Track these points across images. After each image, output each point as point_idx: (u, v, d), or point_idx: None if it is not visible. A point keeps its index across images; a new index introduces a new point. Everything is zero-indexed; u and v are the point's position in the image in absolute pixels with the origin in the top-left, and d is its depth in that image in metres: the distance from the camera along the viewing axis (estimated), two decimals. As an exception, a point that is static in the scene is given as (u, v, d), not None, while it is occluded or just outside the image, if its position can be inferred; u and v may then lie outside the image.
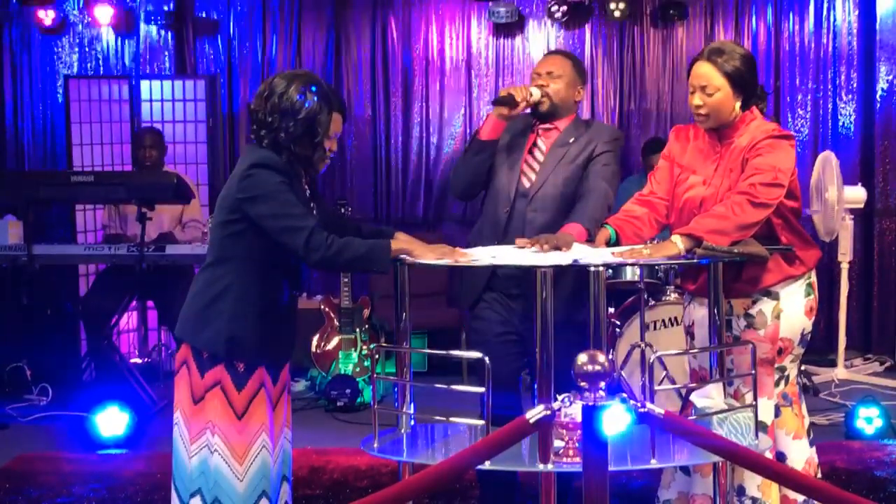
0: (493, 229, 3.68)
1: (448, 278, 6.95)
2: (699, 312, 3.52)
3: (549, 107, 3.69)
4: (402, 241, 3.10)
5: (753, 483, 3.41)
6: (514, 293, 3.64)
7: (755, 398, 3.16)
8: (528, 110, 3.72)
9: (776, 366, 3.43)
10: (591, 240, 3.43)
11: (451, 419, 3.12)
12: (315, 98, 2.99)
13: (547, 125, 3.73)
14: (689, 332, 3.62)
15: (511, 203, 3.67)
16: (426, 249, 3.09)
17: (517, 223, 3.64)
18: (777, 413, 3.45)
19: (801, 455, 3.48)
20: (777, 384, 3.45)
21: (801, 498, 3.44)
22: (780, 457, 3.46)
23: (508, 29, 7.40)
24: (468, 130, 7.40)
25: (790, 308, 3.41)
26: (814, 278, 3.48)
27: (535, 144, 3.74)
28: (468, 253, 3.20)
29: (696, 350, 3.51)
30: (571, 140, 3.69)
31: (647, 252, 3.18)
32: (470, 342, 3.80)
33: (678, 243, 3.20)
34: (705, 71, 3.34)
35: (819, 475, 3.58)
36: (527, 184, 3.69)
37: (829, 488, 2.61)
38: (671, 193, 3.52)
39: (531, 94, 3.65)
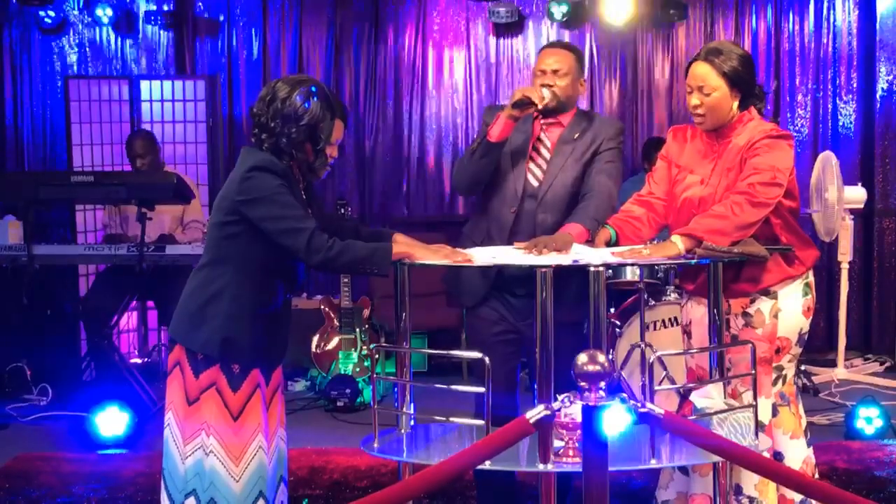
0: (500, 230, 3.63)
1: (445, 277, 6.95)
2: (697, 311, 3.53)
3: (555, 105, 3.64)
4: (402, 245, 3.09)
5: (750, 482, 3.41)
6: (518, 293, 3.60)
7: (755, 398, 3.17)
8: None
9: (774, 365, 3.44)
10: (591, 240, 3.42)
11: (451, 419, 3.12)
12: (318, 104, 2.99)
13: (550, 119, 3.69)
14: (686, 331, 3.63)
15: (519, 203, 3.62)
16: (427, 251, 3.09)
17: (525, 224, 3.59)
18: (774, 412, 3.46)
19: (798, 455, 3.49)
20: (775, 383, 3.46)
21: (798, 498, 3.45)
22: (778, 456, 3.46)
23: (508, 29, 7.40)
24: (468, 130, 7.41)
25: (788, 307, 3.42)
26: (811, 278, 3.49)
27: (539, 140, 3.68)
28: (469, 254, 3.20)
29: (695, 350, 3.51)
30: (576, 135, 3.66)
31: (646, 252, 3.19)
32: (468, 341, 3.80)
33: (678, 243, 3.20)
34: (703, 71, 3.35)
35: (816, 475, 3.58)
36: (535, 183, 3.64)
37: (828, 488, 2.61)
38: (669, 193, 3.53)
39: (544, 97, 3.58)
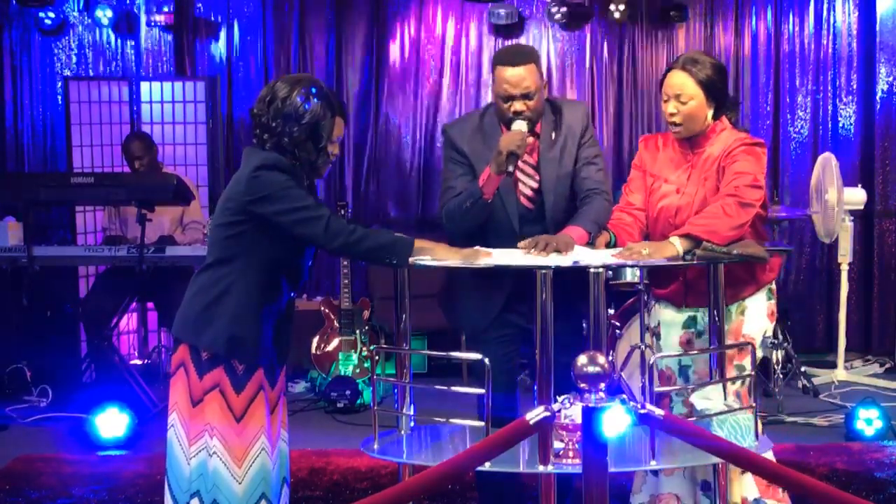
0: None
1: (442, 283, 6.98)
2: (666, 314, 3.59)
3: (534, 126, 3.48)
4: (424, 241, 3.11)
5: (709, 474, 3.43)
6: (521, 310, 3.48)
7: (755, 399, 3.18)
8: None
9: (735, 364, 3.44)
10: (591, 243, 3.42)
11: (451, 420, 3.13)
12: (318, 103, 3.00)
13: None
14: (655, 333, 3.66)
15: (518, 231, 3.48)
16: (449, 252, 3.10)
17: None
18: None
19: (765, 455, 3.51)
20: (733, 382, 3.44)
21: (751, 497, 3.48)
22: None
23: (508, 30, 7.40)
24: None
25: (753, 306, 3.49)
26: (773, 284, 3.56)
27: (522, 161, 3.50)
28: (490, 252, 3.19)
29: (695, 352, 3.51)
30: (552, 135, 3.54)
31: (646, 252, 3.20)
32: (467, 341, 3.77)
33: (676, 244, 3.23)
34: (680, 80, 3.40)
35: None
36: (530, 205, 3.54)
37: (828, 489, 2.61)
38: (646, 202, 3.56)
39: (526, 134, 3.38)
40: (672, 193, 3.47)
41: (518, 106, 3.42)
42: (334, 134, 3.06)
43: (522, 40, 7.40)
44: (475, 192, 3.40)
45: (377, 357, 4.34)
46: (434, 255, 3.08)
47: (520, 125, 3.39)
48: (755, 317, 3.48)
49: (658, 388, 3.33)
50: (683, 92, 3.38)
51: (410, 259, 3.06)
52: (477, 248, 3.19)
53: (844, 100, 7.33)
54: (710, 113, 3.42)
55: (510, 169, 3.33)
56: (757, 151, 3.39)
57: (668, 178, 3.50)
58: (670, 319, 3.56)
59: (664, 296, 3.59)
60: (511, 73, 3.42)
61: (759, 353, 3.53)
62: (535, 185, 3.55)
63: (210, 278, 3.02)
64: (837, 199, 6.18)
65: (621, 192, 3.69)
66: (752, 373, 3.22)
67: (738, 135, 3.43)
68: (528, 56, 3.47)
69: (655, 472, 3.59)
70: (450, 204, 3.51)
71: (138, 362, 6.67)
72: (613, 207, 3.59)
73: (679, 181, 3.47)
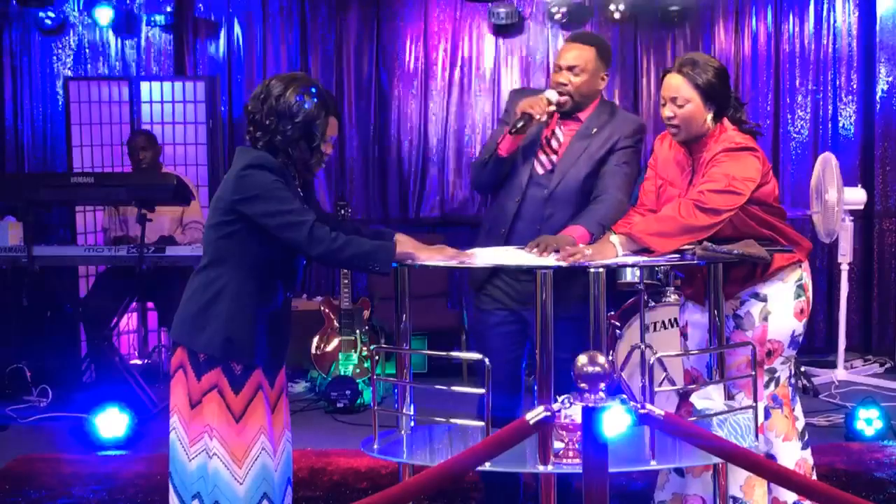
0: (503, 217, 3.57)
1: (448, 277, 7.00)
2: (693, 314, 3.56)
3: (571, 105, 3.54)
4: (406, 244, 3.09)
5: (736, 483, 3.42)
6: (521, 278, 3.53)
7: (755, 399, 3.17)
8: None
9: (766, 367, 3.43)
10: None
11: (451, 420, 3.12)
12: (313, 102, 2.99)
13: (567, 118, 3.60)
14: (683, 333, 3.64)
15: (522, 192, 3.56)
16: (430, 252, 3.09)
17: (527, 212, 3.51)
18: (767, 415, 3.46)
19: (790, 457, 3.49)
20: (767, 386, 3.45)
21: (791, 500, 3.46)
22: (769, 458, 3.46)
23: (508, 30, 7.40)
24: (467, 131, 7.40)
25: (778, 310, 3.42)
26: (805, 280, 3.49)
27: (552, 133, 3.59)
28: (472, 254, 3.19)
29: (695, 352, 3.51)
30: (594, 130, 3.56)
31: (588, 253, 3.15)
32: (468, 337, 3.77)
33: (616, 245, 3.21)
34: (676, 82, 3.34)
35: (814, 476, 3.59)
36: (540, 170, 3.57)
37: (827, 489, 2.61)
38: (657, 205, 3.53)
39: (548, 102, 3.47)
40: (675, 198, 3.41)
41: (561, 77, 3.52)
42: (328, 133, 3.06)
43: (522, 40, 7.40)
44: (492, 146, 3.54)
45: (377, 357, 4.34)
46: (417, 258, 3.08)
47: (550, 93, 3.49)
48: (780, 319, 3.41)
49: (658, 389, 3.32)
50: (679, 95, 3.31)
51: (394, 264, 3.05)
52: (471, 250, 3.21)
53: (844, 100, 7.33)
54: (710, 116, 3.34)
55: (519, 125, 3.43)
56: (743, 156, 3.29)
57: (674, 181, 3.47)
58: (697, 320, 3.52)
59: (690, 295, 3.57)
60: (568, 46, 3.59)
61: (791, 352, 3.49)
62: (555, 158, 3.59)
63: (204, 280, 3.02)
64: (837, 199, 6.18)
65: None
66: (753, 373, 3.21)
67: (733, 139, 3.34)
68: (590, 40, 3.62)
69: (680, 472, 3.55)
70: (477, 156, 3.69)
71: (138, 362, 6.68)
72: (629, 208, 3.58)
73: (681, 186, 3.43)
